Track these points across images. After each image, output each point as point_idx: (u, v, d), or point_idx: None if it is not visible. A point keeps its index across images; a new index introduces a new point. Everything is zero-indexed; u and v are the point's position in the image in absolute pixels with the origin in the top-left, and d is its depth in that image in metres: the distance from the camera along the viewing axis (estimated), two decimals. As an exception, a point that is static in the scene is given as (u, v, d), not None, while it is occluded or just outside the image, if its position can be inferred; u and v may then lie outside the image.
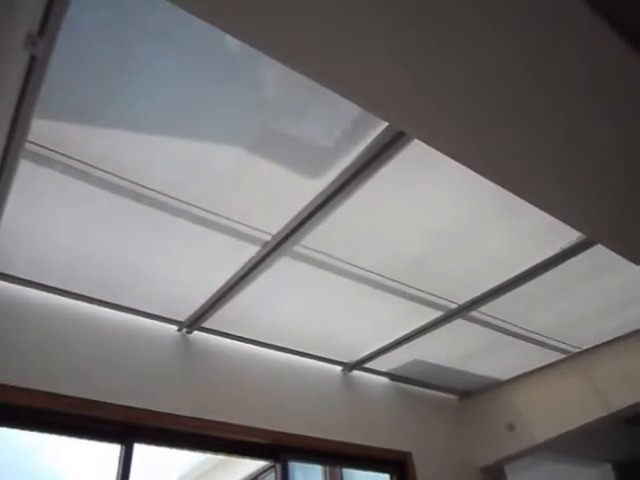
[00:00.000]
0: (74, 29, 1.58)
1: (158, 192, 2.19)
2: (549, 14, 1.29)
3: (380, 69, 1.40)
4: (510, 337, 3.52)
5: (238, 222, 2.38)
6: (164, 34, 1.66)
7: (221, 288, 2.81)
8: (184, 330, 3.19)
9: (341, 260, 2.68)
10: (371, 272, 2.79)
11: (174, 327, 3.18)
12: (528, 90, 1.50)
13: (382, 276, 2.83)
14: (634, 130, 1.68)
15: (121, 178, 2.11)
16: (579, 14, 1.28)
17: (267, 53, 1.35)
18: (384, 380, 4.10)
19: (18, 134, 1.83)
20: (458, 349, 3.73)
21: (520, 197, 1.90)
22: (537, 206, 1.95)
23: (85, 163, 2.03)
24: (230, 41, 1.65)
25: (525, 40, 1.36)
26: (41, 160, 2.01)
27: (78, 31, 1.60)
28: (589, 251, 2.61)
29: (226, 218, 2.35)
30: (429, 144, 1.68)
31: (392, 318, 3.30)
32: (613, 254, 2.25)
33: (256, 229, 2.43)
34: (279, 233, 2.44)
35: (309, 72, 1.42)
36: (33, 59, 1.59)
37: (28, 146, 1.93)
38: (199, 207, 2.28)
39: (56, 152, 1.98)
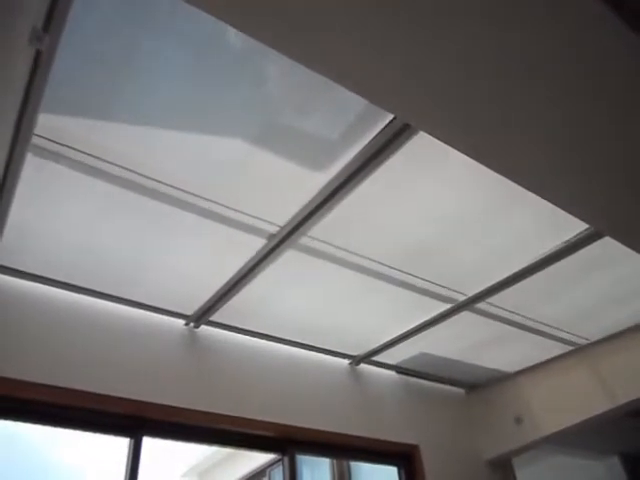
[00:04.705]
0: (79, 24, 1.58)
1: (164, 184, 2.19)
2: (550, 7, 1.28)
3: (385, 62, 1.40)
4: (518, 329, 3.51)
5: (244, 215, 2.38)
6: (169, 28, 1.66)
7: (228, 282, 2.81)
8: (191, 324, 3.20)
9: (348, 251, 2.67)
10: (379, 263, 2.78)
11: (181, 321, 3.19)
12: (533, 84, 1.48)
13: (390, 267, 2.82)
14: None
15: (128, 171, 2.11)
16: (581, 5, 1.27)
17: (272, 47, 1.35)
18: (391, 373, 4.11)
19: (24, 129, 1.83)
20: (465, 342, 3.72)
21: (528, 190, 1.89)
22: (545, 199, 1.94)
23: (91, 156, 2.03)
24: (235, 35, 1.65)
25: (529, 34, 1.34)
26: (47, 155, 2.01)
27: (83, 26, 1.60)
28: (599, 242, 2.59)
29: (233, 210, 2.35)
30: (435, 136, 1.67)
31: (400, 311, 3.30)
32: (622, 246, 2.24)
33: (263, 222, 2.43)
34: (286, 226, 2.44)
35: (315, 66, 1.42)
36: (39, 54, 1.59)
37: (34, 141, 1.93)
38: (205, 200, 2.28)
39: (62, 145, 1.98)
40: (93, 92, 1.82)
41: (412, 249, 2.72)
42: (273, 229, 2.48)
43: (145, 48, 1.70)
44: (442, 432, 4.11)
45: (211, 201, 2.29)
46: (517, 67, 1.43)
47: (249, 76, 1.81)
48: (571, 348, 3.86)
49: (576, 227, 2.53)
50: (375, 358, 3.87)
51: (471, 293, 3.10)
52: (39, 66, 1.62)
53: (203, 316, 3.13)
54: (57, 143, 1.97)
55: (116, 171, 2.11)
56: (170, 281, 2.87)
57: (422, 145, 2.03)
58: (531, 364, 4.12)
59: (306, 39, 1.33)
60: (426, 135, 1.70)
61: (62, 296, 2.81)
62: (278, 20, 1.26)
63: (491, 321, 3.40)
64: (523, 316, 3.37)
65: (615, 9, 1.26)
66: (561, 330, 3.60)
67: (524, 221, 2.57)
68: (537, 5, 1.27)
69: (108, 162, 2.07)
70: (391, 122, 1.96)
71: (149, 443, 2.82)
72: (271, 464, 4.86)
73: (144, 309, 3.05)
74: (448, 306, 3.21)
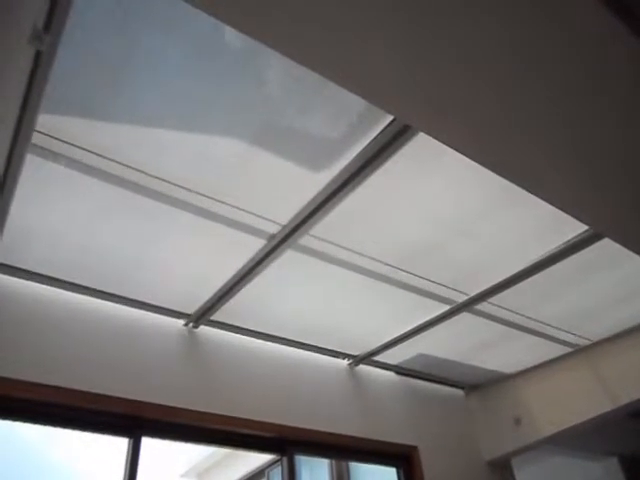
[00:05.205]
0: (80, 23, 1.58)
1: (164, 184, 2.19)
2: (551, 7, 1.28)
3: (385, 62, 1.39)
4: (518, 330, 3.51)
5: (245, 215, 2.38)
6: (169, 27, 1.65)
7: (228, 281, 2.81)
8: (191, 324, 3.20)
9: (348, 251, 2.67)
10: (378, 263, 2.78)
11: (181, 321, 3.19)
12: (533, 84, 1.48)
13: (390, 267, 2.82)
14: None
15: (128, 169, 2.11)
16: (582, 5, 1.26)
17: (273, 48, 1.35)
18: (391, 374, 4.11)
19: (24, 129, 1.83)
20: (465, 343, 3.72)
21: (527, 191, 1.89)
22: (545, 200, 1.93)
23: (91, 155, 2.03)
24: (236, 35, 1.65)
25: (529, 34, 1.34)
26: (47, 154, 2.01)
27: (84, 25, 1.60)
28: (599, 243, 2.59)
29: (233, 210, 2.35)
30: (435, 138, 1.67)
31: (399, 312, 3.30)
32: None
33: (263, 222, 2.43)
34: (286, 226, 2.44)
35: (315, 66, 1.41)
36: (39, 54, 1.59)
37: (34, 141, 1.93)
38: (206, 199, 2.28)
39: (62, 142, 1.98)
40: (93, 91, 1.82)
41: (412, 249, 2.72)
42: (274, 229, 2.48)
43: (145, 46, 1.70)
44: (441, 433, 4.11)
45: (212, 200, 2.29)
46: (517, 67, 1.43)
47: (249, 76, 1.81)
48: (570, 349, 3.85)
49: (576, 228, 2.53)
50: (374, 358, 3.87)
51: (471, 293, 3.10)
52: (39, 66, 1.62)
53: (203, 316, 3.12)
54: (57, 140, 1.97)
55: (116, 170, 2.11)
56: (170, 280, 2.87)
57: (422, 146, 2.04)
58: (531, 365, 4.12)
59: (306, 39, 1.33)
60: (426, 136, 1.70)
61: (60, 295, 2.81)
62: (278, 20, 1.26)
63: (491, 322, 3.40)
64: (524, 317, 3.37)
65: (617, 12, 1.26)
66: (562, 331, 3.60)
67: (524, 222, 2.57)
68: (538, 5, 1.27)
69: (108, 161, 2.07)
70: (391, 123, 1.96)
71: (148, 443, 2.82)
72: (270, 465, 4.84)
73: (143, 308, 3.04)
74: (448, 307, 3.21)
